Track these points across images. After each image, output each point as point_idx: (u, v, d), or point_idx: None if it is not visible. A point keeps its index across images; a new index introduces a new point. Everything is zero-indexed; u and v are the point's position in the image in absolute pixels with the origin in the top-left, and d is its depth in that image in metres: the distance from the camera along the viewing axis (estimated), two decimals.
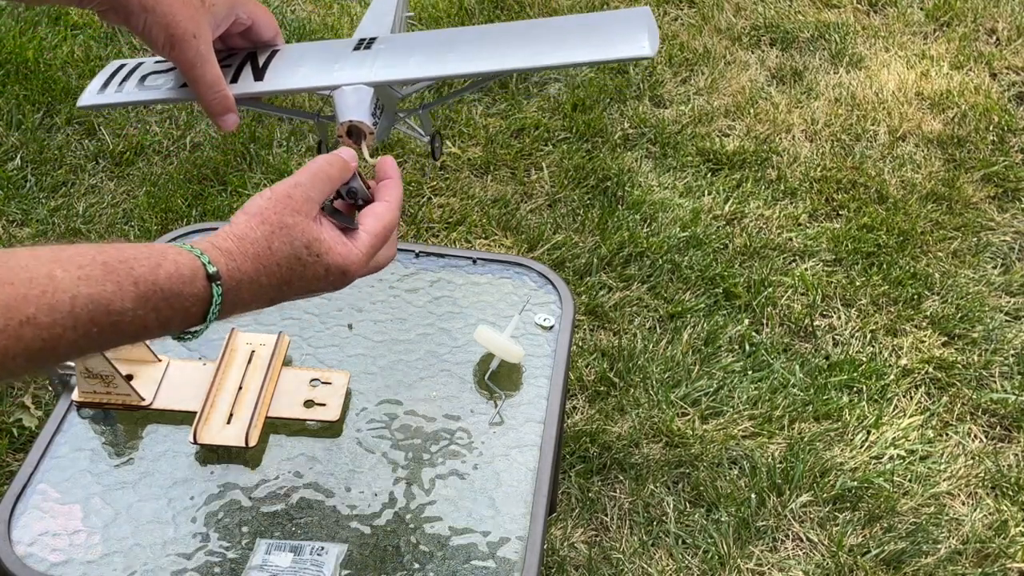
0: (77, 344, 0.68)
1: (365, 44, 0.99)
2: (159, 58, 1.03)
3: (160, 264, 0.72)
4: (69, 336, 0.67)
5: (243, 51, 1.01)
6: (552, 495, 1.18)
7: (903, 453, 1.90)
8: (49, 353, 0.67)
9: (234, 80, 0.97)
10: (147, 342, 1.19)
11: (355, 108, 0.93)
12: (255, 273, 0.78)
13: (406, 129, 1.03)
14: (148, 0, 0.88)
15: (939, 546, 1.76)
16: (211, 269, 0.75)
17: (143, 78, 1.01)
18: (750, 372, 2.03)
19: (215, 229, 1.37)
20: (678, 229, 2.33)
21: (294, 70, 0.98)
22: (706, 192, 2.45)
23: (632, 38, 0.92)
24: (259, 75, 0.98)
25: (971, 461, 1.90)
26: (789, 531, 1.78)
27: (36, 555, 1.04)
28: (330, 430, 1.16)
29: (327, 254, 0.81)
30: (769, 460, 1.86)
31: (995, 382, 2.04)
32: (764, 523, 1.78)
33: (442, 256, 1.39)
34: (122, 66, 1.05)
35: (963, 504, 1.84)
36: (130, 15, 0.89)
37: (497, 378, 1.22)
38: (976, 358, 2.08)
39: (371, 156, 0.93)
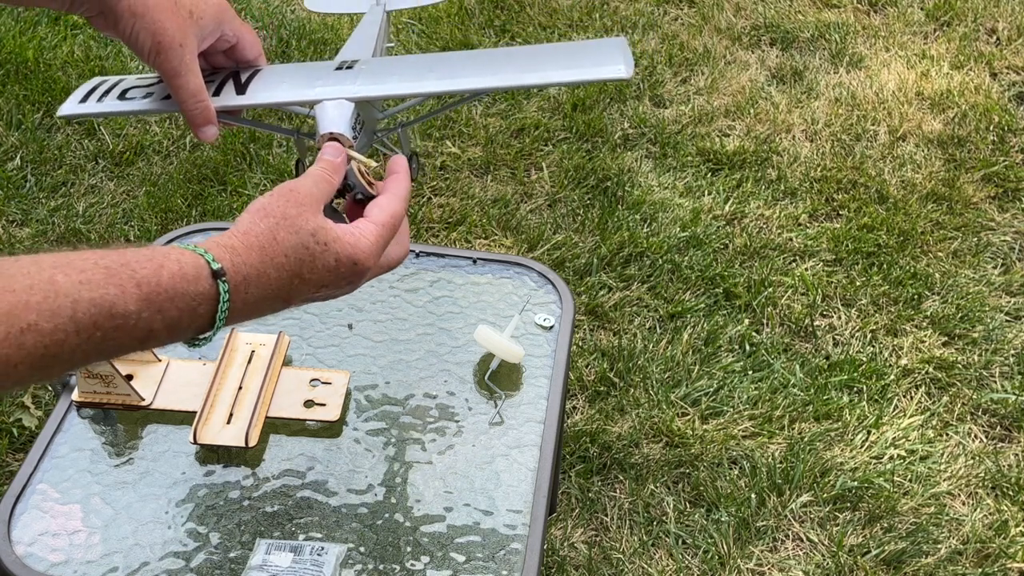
0: (81, 349, 0.67)
1: (347, 65, 1.00)
2: (140, 75, 1.04)
3: (163, 265, 0.71)
4: (72, 341, 0.66)
5: (227, 70, 1.02)
6: (552, 495, 1.18)
7: (903, 453, 1.90)
8: (52, 360, 0.66)
9: (216, 94, 0.98)
10: None
11: (335, 121, 0.93)
12: (261, 265, 0.76)
13: (384, 149, 1.05)
14: (137, 7, 0.88)
15: (939, 546, 1.76)
16: (215, 265, 0.73)
17: (124, 92, 1.02)
18: (750, 372, 2.03)
19: (215, 229, 1.39)
20: (678, 229, 2.33)
21: (276, 86, 0.99)
22: (706, 192, 2.45)
23: (609, 61, 0.95)
24: (241, 90, 0.99)
25: (971, 461, 1.90)
26: (789, 531, 1.78)
27: (36, 555, 1.04)
28: (330, 430, 1.16)
29: (335, 242, 0.80)
30: (769, 460, 1.86)
31: (995, 382, 2.04)
32: (764, 523, 1.78)
33: (442, 256, 1.39)
34: (103, 82, 1.06)
35: (963, 504, 1.84)
36: (118, 20, 0.89)
37: (497, 378, 1.22)
38: (976, 358, 2.08)
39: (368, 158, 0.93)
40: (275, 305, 0.80)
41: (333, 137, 0.93)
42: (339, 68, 1.00)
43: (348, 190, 0.89)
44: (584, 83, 0.98)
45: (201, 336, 0.76)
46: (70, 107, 1.04)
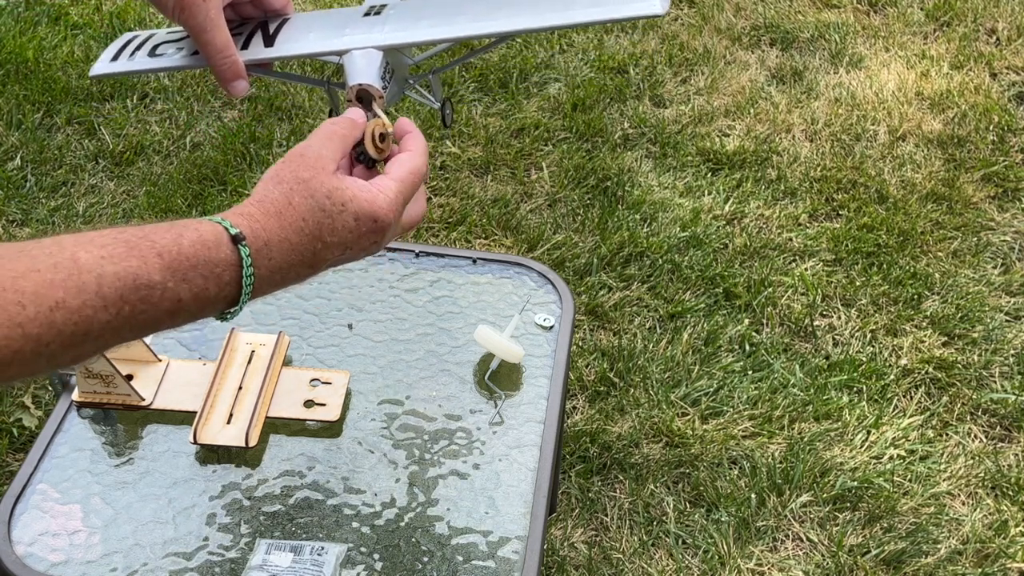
0: (112, 325, 0.68)
1: (375, 10, 0.99)
2: (170, 29, 1.04)
3: (182, 234, 0.72)
4: (101, 317, 0.67)
5: (254, 20, 1.01)
6: (552, 495, 1.18)
7: (903, 453, 1.90)
8: (83, 337, 0.66)
9: (245, 47, 0.98)
10: (148, 342, 1.19)
11: (364, 72, 0.92)
12: (281, 230, 0.76)
13: (416, 96, 1.03)
14: None
15: (939, 546, 1.76)
16: (233, 231, 0.73)
17: (154, 48, 1.02)
18: (750, 372, 2.03)
19: None
20: (678, 229, 2.33)
21: (304, 36, 0.98)
22: (706, 192, 2.45)
23: None
24: (269, 42, 0.98)
25: (971, 461, 1.90)
26: (789, 531, 1.78)
27: (36, 555, 1.04)
28: (330, 430, 1.16)
29: (351, 201, 0.79)
30: (769, 460, 1.86)
31: (995, 382, 2.04)
32: (764, 523, 1.78)
33: (442, 256, 1.39)
34: (134, 37, 1.05)
35: (963, 504, 1.84)
36: None
37: (497, 378, 1.22)
38: (976, 358, 2.08)
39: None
40: (302, 271, 0.79)
41: (362, 88, 0.92)
42: (367, 14, 0.99)
43: (360, 158, 0.87)
44: (618, 20, 0.95)
45: (231, 309, 0.75)
46: (102, 66, 1.04)
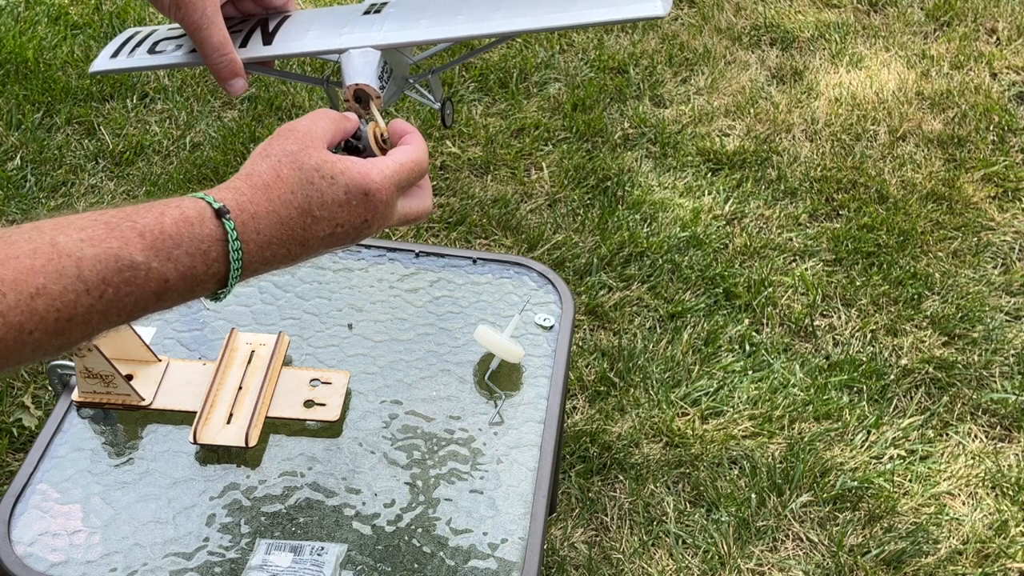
0: (96, 309, 0.66)
1: (375, 9, 0.99)
2: (171, 26, 1.03)
3: (164, 212, 0.70)
4: (84, 301, 0.65)
5: (255, 17, 1.01)
6: (552, 495, 1.18)
7: (903, 453, 1.90)
8: (68, 323, 0.65)
9: (243, 45, 0.97)
10: (148, 342, 1.19)
11: (361, 71, 0.92)
12: (268, 203, 0.74)
13: (416, 95, 1.02)
14: None
15: (939, 546, 1.76)
16: (216, 205, 0.72)
17: (154, 45, 1.02)
18: (750, 372, 2.03)
19: None
20: (678, 229, 2.33)
21: (303, 34, 0.98)
22: (706, 192, 2.45)
23: None
24: (268, 40, 0.97)
25: (971, 461, 1.90)
26: (789, 531, 1.78)
27: (36, 555, 1.04)
28: (330, 430, 1.16)
29: (342, 174, 0.77)
30: (769, 460, 1.86)
31: (995, 382, 2.04)
32: (764, 523, 1.78)
33: (442, 256, 1.39)
34: (135, 33, 1.05)
35: (963, 504, 1.84)
36: None
37: (497, 378, 1.22)
38: (976, 358, 2.08)
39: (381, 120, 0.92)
40: (292, 248, 0.77)
41: (359, 88, 0.91)
42: (367, 12, 0.98)
43: (358, 152, 0.87)
44: (619, 22, 0.94)
45: (222, 288, 0.74)
46: (102, 63, 1.03)
